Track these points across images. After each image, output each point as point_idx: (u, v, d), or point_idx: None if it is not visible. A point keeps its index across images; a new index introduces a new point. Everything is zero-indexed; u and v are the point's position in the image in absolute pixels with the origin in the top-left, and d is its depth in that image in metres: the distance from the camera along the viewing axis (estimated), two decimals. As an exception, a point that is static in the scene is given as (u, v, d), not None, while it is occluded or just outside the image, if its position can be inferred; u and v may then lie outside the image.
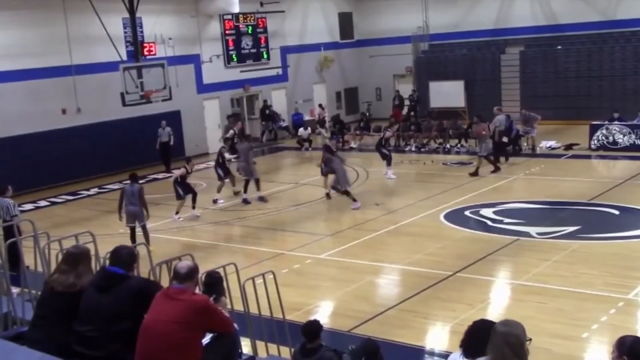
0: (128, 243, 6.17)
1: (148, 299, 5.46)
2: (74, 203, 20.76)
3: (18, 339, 6.05)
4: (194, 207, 18.37)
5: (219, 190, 20.18)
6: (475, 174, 20.81)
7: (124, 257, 5.70)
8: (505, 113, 24.56)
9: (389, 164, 21.50)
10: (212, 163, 26.09)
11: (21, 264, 7.95)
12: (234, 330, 5.95)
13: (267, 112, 31.26)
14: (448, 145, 25.75)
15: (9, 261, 8.54)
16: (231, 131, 23.80)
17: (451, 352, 9.45)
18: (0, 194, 14.18)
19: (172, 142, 25.17)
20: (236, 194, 20.34)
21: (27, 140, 23.02)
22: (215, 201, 19.89)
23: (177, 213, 18.20)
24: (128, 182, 15.94)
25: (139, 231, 15.23)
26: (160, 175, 24.42)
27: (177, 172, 18.53)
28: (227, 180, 20.26)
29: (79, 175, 20.19)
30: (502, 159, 22.47)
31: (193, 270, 5.49)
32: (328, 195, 19.21)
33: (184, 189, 18.11)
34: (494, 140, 22.05)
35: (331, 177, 18.95)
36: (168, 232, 17.18)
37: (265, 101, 31.37)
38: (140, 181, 23.41)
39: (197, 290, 5.76)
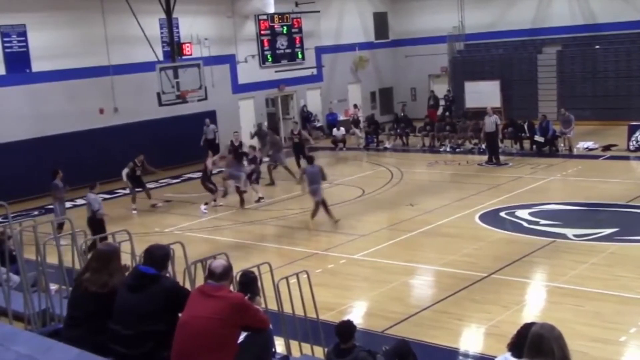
0: (164, 242, 6.19)
1: (179, 299, 5.51)
2: (110, 202, 20.94)
3: (56, 335, 6.12)
4: None
5: None
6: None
7: (157, 257, 5.69)
8: (542, 113, 24.18)
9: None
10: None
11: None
12: (269, 328, 5.97)
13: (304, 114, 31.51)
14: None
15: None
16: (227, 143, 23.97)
17: (485, 355, 9.49)
18: (90, 189, 15.99)
19: (217, 140, 25.42)
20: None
21: (65, 139, 23.38)
22: None
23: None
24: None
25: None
26: (195, 175, 24.58)
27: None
28: None
29: (115, 175, 20.48)
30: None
31: (228, 269, 5.54)
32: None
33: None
34: (483, 139, 23.82)
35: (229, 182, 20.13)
36: (203, 231, 17.31)
37: (304, 106, 31.66)
38: (174, 181, 23.68)
39: (231, 289, 5.79)
